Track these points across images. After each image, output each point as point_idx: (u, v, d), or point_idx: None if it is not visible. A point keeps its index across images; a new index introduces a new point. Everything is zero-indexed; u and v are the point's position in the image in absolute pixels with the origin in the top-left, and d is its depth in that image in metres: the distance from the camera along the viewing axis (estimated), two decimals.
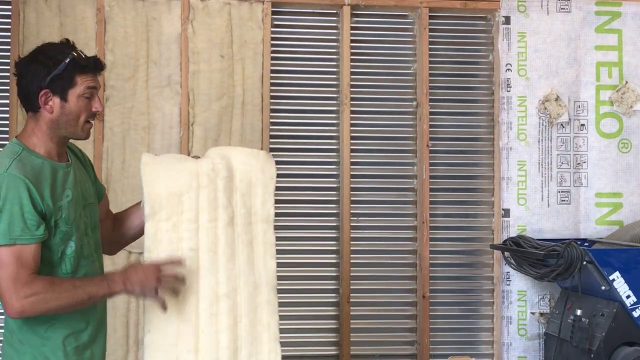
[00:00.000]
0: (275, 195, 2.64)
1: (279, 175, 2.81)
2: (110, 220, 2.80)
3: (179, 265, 2.47)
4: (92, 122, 2.49)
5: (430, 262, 4.32)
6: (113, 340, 4.09)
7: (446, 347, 4.37)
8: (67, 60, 2.41)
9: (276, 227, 2.64)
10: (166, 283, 2.43)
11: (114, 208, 4.08)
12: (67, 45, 2.47)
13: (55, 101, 2.42)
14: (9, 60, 4.10)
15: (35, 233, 2.31)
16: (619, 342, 3.68)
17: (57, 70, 2.41)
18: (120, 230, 2.79)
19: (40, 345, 2.40)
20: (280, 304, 4.19)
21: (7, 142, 4.05)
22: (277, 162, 3.02)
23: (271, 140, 4.26)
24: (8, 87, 4.10)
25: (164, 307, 2.44)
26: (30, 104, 2.45)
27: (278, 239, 2.66)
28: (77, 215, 2.47)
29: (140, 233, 2.73)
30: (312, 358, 4.30)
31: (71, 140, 2.55)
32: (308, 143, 4.36)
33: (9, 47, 4.10)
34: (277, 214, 2.66)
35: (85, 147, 4.07)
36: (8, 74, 4.08)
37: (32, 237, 2.30)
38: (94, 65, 2.47)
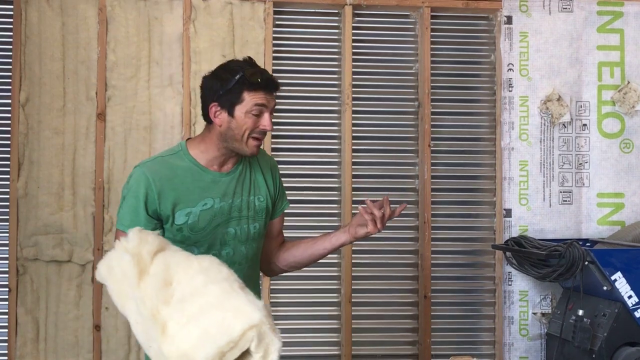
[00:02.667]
0: None
1: (282, 175, 2.82)
2: (277, 242, 2.86)
3: None
4: (260, 139, 2.57)
5: (432, 262, 4.32)
6: (115, 339, 4.09)
7: (448, 347, 4.36)
8: (236, 77, 2.51)
9: None
10: None
11: (115, 207, 4.10)
12: (246, 62, 2.56)
13: (224, 115, 2.54)
14: (10, 60, 4.10)
15: (133, 223, 2.43)
16: (621, 342, 3.67)
17: (227, 85, 2.52)
18: (285, 257, 2.85)
19: None
20: (282, 304, 4.20)
21: (8, 142, 4.10)
22: (279, 162, 3.02)
23: (273, 140, 4.26)
24: (10, 87, 4.10)
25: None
26: (205, 115, 2.58)
27: None
28: (213, 226, 2.57)
29: (300, 266, 2.84)
30: (313, 358, 4.30)
31: (261, 155, 2.72)
32: (310, 143, 4.36)
33: (10, 46, 4.10)
34: None
35: (87, 147, 4.10)
36: (10, 74, 4.09)
37: (127, 226, 2.44)
38: (266, 84, 2.53)
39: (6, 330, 4.08)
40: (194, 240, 2.55)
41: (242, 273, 2.55)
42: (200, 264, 2.18)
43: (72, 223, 4.09)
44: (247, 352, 2.00)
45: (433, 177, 4.36)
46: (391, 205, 2.68)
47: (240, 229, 2.64)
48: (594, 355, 3.68)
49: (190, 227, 2.53)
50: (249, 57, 2.60)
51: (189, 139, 2.66)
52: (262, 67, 3.44)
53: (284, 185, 2.85)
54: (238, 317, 1.98)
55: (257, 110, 2.53)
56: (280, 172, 2.86)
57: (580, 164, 4.42)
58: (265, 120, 2.55)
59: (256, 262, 2.76)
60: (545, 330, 4.24)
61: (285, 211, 2.86)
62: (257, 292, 2.65)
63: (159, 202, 2.50)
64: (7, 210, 4.09)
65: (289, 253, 2.84)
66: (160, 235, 2.34)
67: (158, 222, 2.53)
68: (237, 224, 2.63)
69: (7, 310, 4.08)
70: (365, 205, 2.65)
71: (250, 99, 2.52)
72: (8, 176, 4.09)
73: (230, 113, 2.53)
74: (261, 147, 2.68)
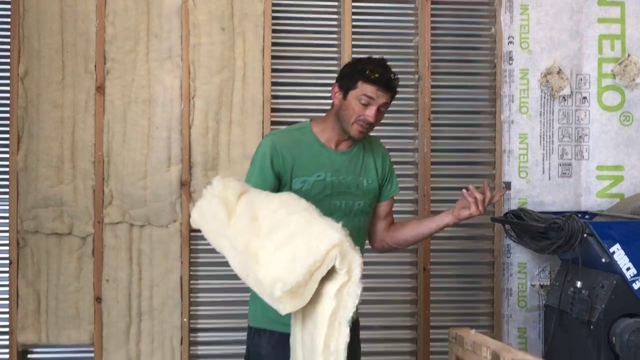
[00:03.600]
0: None
1: None
2: (386, 222, 3.16)
3: None
4: (364, 127, 2.84)
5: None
6: (115, 311, 4.12)
7: (446, 319, 4.38)
8: (359, 68, 2.84)
9: None
10: None
11: (115, 180, 4.12)
12: (379, 61, 2.88)
13: (339, 97, 2.87)
14: (9, 33, 4.09)
15: (264, 188, 2.70)
16: (619, 313, 3.69)
17: (351, 72, 2.86)
18: (394, 235, 3.16)
19: None
20: None
21: (7, 116, 4.11)
22: None
23: (272, 113, 4.26)
24: (9, 61, 4.10)
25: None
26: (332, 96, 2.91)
27: None
28: (322, 196, 2.85)
29: (408, 244, 3.20)
30: None
31: (376, 143, 3.06)
32: (309, 116, 4.34)
33: (9, 19, 4.09)
34: None
35: (86, 120, 4.10)
36: (9, 47, 4.08)
37: (252, 184, 2.69)
38: (380, 81, 2.82)
39: (7, 302, 4.10)
40: None
41: None
42: (281, 198, 2.49)
43: (72, 196, 4.10)
44: (333, 270, 2.24)
45: (433, 150, 4.36)
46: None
47: (345, 203, 2.91)
48: (592, 327, 3.70)
49: (303, 193, 2.75)
50: (384, 60, 2.91)
51: (312, 119, 2.97)
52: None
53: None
54: (321, 239, 2.23)
55: (365, 100, 2.81)
56: None
57: (580, 136, 4.42)
58: (370, 111, 2.81)
59: (358, 237, 2.93)
60: (544, 302, 4.26)
61: None
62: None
63: (282, 166, 2.81)
64: (7, 183, 4.10)
65: (399, 232, 3.14)
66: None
67: (278, 184, 2.83)
68: (343, 199, 2.91)
69: (8, 283, 4.10)
70: (468, 190, 2.94)
71: (362, 89, 2.81)
72: (8, 149, 4.09)
73: (345, 96, 2.84)
74: (370, 134, 2.97)
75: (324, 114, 3.00)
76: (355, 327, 3.03)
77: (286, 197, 2.52)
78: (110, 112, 4.13)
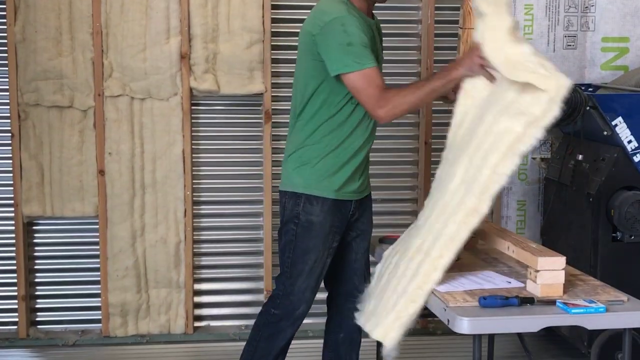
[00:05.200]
0: None
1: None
2: None
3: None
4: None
5: (433, 108, 4.31)
6: (119, 184, 4.15)
7: None
8: None
9: None
10: (485, 61, 2.70)
11: (114, 52, 4.08)
12: None
13: None
14: None
15: (374, 59, 2.85)
16: (619, 186, 3.72)
17: None
18: None
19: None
20: None
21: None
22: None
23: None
24: (5, 20, 4.04)
25: (491, 78, 2.73)
26: None
27: None
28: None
29: None
30: None
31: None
32: None
33: None
34: None
35: None
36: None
37: (373, 61, 2.84)
38: None
39: (11, 175, 4.13)
40: None
41: None
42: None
43: (72, 68, 4.06)
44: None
45: (436, 22, 4.28)
46: None
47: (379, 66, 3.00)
48: (591, 199, 3.74)
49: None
50: None
51: None
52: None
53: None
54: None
55: None
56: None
57: (587, 7, 4.34)
58: None
59: None
60: (544, 174, 4.29)
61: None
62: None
63: (368, 40, 2.89)
64: (6, 55, 4.05)
65: None
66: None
67: None
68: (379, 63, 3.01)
69: (10, 156, 4.11)
70: None
71: None
72: (5, 20, 4.03)
73: None
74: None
75: None
76: (366, 200, 3.19)
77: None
78: None
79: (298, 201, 3.01)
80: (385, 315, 2.61)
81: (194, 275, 4.29)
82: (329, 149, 2.99)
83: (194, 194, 4.25)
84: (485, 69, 2.71)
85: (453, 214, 2.58)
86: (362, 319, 2.81)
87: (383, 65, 3.12)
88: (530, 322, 2.40)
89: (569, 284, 2.58)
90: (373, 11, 3.06)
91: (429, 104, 4.25)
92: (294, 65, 3.09)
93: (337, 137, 2.98)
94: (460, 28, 3.12)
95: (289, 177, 3.06)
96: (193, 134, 4.21)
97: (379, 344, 3.10)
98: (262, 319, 3.11)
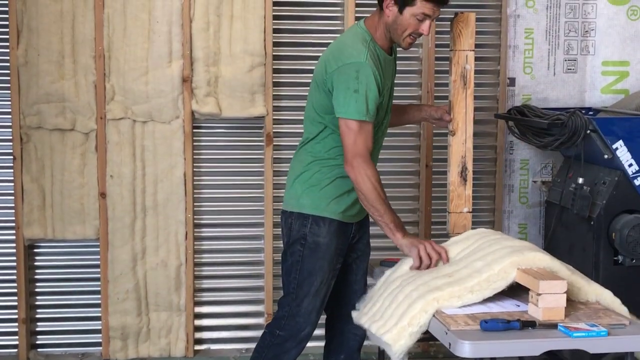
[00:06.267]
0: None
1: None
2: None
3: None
4: (416, 39, 3.01)
5: (434, 131, 4.32)
6: (120, 207, 4.15)
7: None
8: None
9: None
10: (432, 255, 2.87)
11: (116, 76, 4.09)
12: None
13: (394, 10, 2.94)
14: None
15: (374, 114, 2.93)
16: (620, 209, 3.72)
17: None
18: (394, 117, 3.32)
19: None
20: None
21: (6, 9, 4.04)
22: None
23: (274, 7, 4.17)
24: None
25: (417, 267, 2.85)
26: (380, 3, 2.99)
27: None
28: (387, 103, 3.09)
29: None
30: None
31: None
32: (313, 10, 4.28)
33: None
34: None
35: (86, 14, 4.04)
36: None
37: (371, 118, 2.91)
38: (442, 1, 2.93)
39: (12, 197, 4.13)
40: (380, 119, 3.07)
41: (384, 137, 3.18)
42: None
43: (74, 91, 4.08)
44: None
45: (437, 45, 4.30)
46: None
47: (390, 101, 3.14)
48: (592, 223, 3.74)
49: (383, 106, 3.04)
50: None
51: (365, 22, 3.05)
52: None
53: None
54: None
55: (422, 17, 2.92)
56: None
57: (587, 31, 4.36)
58: (425, 26, 2.95)
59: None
60: (545, 197, 4.29)
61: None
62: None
63: (382, 88, 2.96)
64: (9, 78, 4.07)
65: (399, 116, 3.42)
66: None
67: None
68: (391, 100, 3.17)
69: (12, 178, 4.12)
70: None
71: (420, 6, 2.90)
72: (8, 44, 4.05)
73: (400, 10, 2.92)
74: None
75: (369, 15, 3.09)
76: (365, 222, 3.25)
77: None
78: (109, 5, 4.06)
79: (305, 222, 3.03)
80: (397, 321, 2.60)
81: (195, 298, 4.28)
82: (337, 173, 3.03)
83: (195, 216, 4.26)
84: (418, 256, 2.84)
85: (500, 258, 2.66)
86: (363, 319, 2.80)
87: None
88: (531, 346, 2.39)
89: (571, 308, 2.57)
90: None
91: (429, 127, 4.28)
92: (296, 88, 3.14)
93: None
94: (451, 50, 3.16)
95: (296, 198, 3.07)
96: (195, 156, 4.22)
97: (381, 354, 3.16)
98: (265, 341, 3.11)
